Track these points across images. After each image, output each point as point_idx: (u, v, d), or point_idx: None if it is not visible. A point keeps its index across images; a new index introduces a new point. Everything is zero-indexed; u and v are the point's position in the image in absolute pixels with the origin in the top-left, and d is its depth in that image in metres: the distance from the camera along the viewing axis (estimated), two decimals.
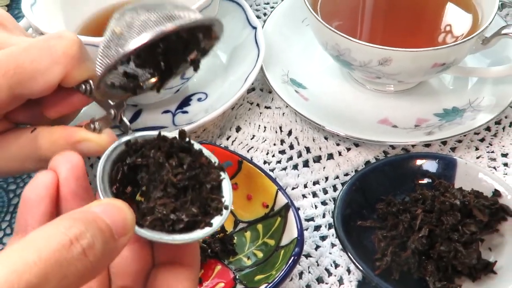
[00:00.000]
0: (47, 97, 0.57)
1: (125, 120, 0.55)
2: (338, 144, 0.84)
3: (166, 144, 0.51)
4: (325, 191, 0.79)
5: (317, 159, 0.83)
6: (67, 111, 0.59)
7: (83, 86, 0.55)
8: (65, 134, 0.57)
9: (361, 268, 0.64)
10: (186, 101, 0.87)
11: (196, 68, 0.54)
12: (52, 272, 0.36)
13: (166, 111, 0.86)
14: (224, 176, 0.52)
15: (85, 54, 0.57)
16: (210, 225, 0.48)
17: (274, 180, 0.70)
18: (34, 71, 0.53)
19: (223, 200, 0.50)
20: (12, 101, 0.55)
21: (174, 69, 0.54)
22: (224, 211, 0.49)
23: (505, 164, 0.81)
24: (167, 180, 0.48)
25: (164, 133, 0.52)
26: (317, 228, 0.75)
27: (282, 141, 0.85)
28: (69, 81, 0.55)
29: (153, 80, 0.55)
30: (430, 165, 0.74)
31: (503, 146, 0.82)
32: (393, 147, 0.83)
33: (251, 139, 0.85)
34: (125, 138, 0.52)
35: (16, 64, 0.53)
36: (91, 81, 0.55)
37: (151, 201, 0.48)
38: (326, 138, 0.84)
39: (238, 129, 0.87)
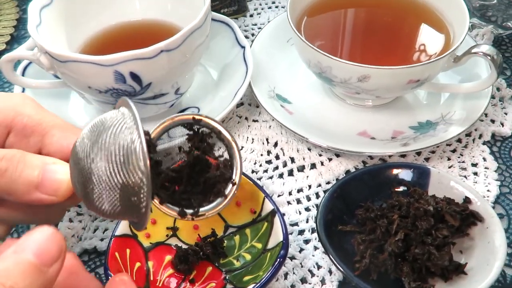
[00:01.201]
0: None
1: None
2: (320, 155, 0.84)
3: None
4: (309, 198, 0.80)
5: (301, 169, 0.83)
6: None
7: None
8: (42, 156, 0.56)
9: (342, 269, 0.64)
10: None
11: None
12: None
13: None
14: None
15: None
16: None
17: (261, 188, 0.71)
18: None
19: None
20: None
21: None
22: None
23: (475, 173, 0.81)
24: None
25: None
26: (301, 232, 0.76)
27: (269, 152, 0.85)
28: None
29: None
30: (405, 174, 0.75)
31: (473, 157, 0.83)
32: (371, 157, 0.83)
33: (240, 150, 0.85)
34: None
35: None
36: None
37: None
38: (309, 149, 0.85)
39: None
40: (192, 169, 0.58)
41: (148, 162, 0.49)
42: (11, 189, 0.54)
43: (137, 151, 0.49)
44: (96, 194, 0.50)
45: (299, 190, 0.81)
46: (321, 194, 0.80)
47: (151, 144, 0.54)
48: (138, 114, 0.51)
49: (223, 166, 0.58)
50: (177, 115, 0.57)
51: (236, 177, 0.58)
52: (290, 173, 0.83)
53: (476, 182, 0.80)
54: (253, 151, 0.85)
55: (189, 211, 0.57)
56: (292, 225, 0.76)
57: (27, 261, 0.43)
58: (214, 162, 0.59)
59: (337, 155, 0.84)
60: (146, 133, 0.53)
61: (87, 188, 0.51)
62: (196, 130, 0.58)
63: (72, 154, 0.53)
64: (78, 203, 0.61)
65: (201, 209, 0.57)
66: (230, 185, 0.58)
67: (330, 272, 0.71)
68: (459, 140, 0.85)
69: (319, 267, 0.72)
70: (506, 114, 0.89)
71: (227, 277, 0.67)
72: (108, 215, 0.52)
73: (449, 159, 0.83)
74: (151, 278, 0.67)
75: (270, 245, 0.67)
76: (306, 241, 0.75)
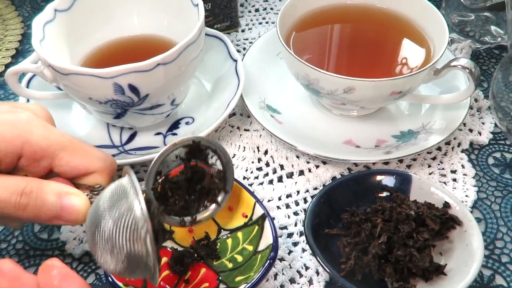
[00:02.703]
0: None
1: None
2: (308, 162, 0.84)
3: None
4: (297, 203, 0.80)
5: (290, 175, 0.83)
6: None
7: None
8: (58, 186, 0.58)
9: (328, 270, 0.64)
10: (175, 125, 0.87)
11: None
12: None
13: (158, 133, 0.86)
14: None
15: None
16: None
17: (252, 194, 0.71)
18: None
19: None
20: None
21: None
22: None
23: (454, 180, 0.81)
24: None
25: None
26: (290, 235, 0.76)
27: (259, 160, 0.85)
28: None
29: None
30: (388, 180, 0.75)
31: (452, 164, 0.83)
32: (356, 164, 0.84)
33: (232, 157, 0.86)
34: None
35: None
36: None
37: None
38: (297, 157, 0.85)
39: None
40: (191, 178, 0.61)
41: (151, 236, 0.51)
42: (36, 219, 0.56)
43: (139, 230, 0.51)
44: (110, 259, 0.52)
45: (288, 196, 0.81)
46: (309, 199, 0.80)
47: (155, 209, 0.55)
48: (139, 188, 0.53)
49: (217, 177, 0.63)
50: (177, 141, 0.61)
51: (228, 186, 0.63)
52: (280, 179, 0.83)
53: (455, 188, 0.80)
54: (245, 158, 0.86)
55: (187, 219, 0.62)
56: (281, 228, 0.77)
57: None
58: (209, 169, 0.63)
59: (324, 163, 0.84)
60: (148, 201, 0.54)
61: (103, 253, 0.53)
62: (194, 142, 0.62)
63: (87, 221, 0.55)
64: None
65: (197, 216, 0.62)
66: (223, 193, 0.63)
67: (317, 273, 0.71)
68: (439, 148, 0.86)
69: (307, 268, 0.72)
70: (483, 123, 0.89)
71: (220, 278, 0.67)
72: (123, 275, 0.54)
73: (429, 166, 0.84)
74: None
75: (261, 247, 0.67)
76: (295, 244, 0.75)
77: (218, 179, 0.64)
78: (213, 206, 0.64)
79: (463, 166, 0.83)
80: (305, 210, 0.77)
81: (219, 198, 0.64)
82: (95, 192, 0.59)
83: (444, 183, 0.81)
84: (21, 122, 0.58)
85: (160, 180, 0.61)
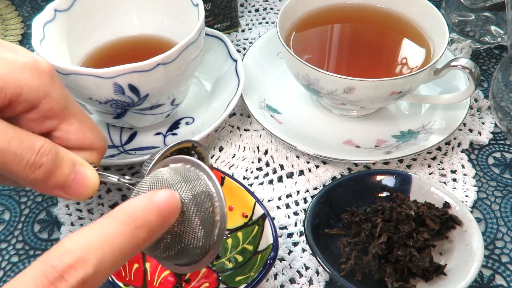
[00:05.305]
0: None
1: None
2: (308, 162, 0.84)
3: None
4: (297, 203, 0.80)
5: (290, 175, 0.83)
6: None
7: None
8: (73, 154, 0.54)
9: (328, 270, 0.64)
10: (175, 125, 0.87)
11: None
12: None
13: (158, 133, 0.86)
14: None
15: None
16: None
17: (252, 194, 0.71)
18: None
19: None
20: None
21: None
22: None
23: (454, 180, 0.81)
24: None
25: None
26: (290, 235, 0.76)
27: (259, 160, 0.85)
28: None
29: None
30: (388, 180, 0.75)
31: (452, 164, 0.83)
32: (356, 164, 0.84)
33: (232, 157, 0.86)
34: None
35: None
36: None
37: None
38: (297, 157, 0.85)
39: (221, 149, 0.87)
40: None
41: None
42: (42, 184, 0.51)
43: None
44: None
45: (288, 196, 0.81)
46: (309, 199, 0.80)
47: None
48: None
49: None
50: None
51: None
52: (280, 179, 0.83)
53: (455, 188, 0.80)
54: (245, 158, 0.86)
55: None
56: (281, 228, 0.77)
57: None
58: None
59: (324, 163, 0.84)
60: None
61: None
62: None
63: None
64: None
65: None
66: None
67: (317, 273, 0.72)
68: (439, 148, 0.86)
69: (307, 268, 0.72)
70: (483, 123, 0.89)
71: (220, 277, 0.67)
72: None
73: (429, 166, 0.84)
74: (148, 279, 0.67)
75: (261, 247, 0.67)
76: (295, 244, 0.75)
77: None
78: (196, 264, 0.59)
79: (463, 166, 0.83)
80: (305, 210, 0.77)
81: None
82: None
83: (444, 183, 0.81)
84: (42, 73, 0.53)
85: None
